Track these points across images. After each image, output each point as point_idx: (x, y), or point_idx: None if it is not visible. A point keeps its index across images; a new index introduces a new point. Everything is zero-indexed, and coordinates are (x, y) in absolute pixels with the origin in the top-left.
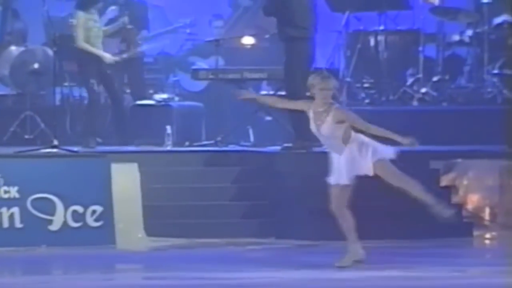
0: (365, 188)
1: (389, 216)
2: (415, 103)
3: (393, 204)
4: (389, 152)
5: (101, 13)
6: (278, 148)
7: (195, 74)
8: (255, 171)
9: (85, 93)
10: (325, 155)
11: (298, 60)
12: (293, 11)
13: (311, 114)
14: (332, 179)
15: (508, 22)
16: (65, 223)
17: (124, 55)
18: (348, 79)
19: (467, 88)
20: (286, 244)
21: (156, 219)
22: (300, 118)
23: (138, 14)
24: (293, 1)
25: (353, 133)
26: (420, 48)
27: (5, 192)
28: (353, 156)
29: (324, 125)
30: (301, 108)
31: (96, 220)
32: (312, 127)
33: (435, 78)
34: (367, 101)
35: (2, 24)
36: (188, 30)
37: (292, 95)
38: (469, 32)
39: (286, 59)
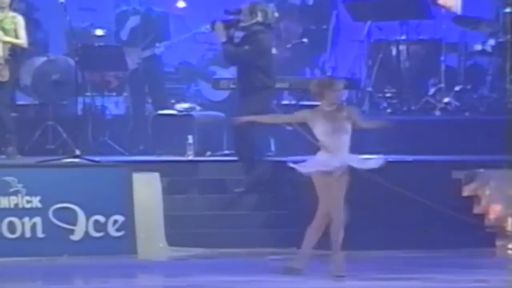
0: (386, 198)
1: (410, 226)
2: (437, 112)
3: (414, 214)
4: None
5: (122, 22)
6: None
7: (216, 83)
8: (276, 181)
9: (107, 103)
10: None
11: (264, 108)
12: (267, 60)
13: (319, 119)
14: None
15: None
16: (86, 232)
17: None
18: (369, 89)
19: (489, 98)
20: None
21: (177, 229)
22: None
23: (158, 24)
24: (266, 51)
25: None
26: (442, 58)
27: (28, 202)
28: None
29: (342, 122)
30: (302, 120)
31: (118, 230)
32: (323, 129)
33: (457, 88)
34: (389, 110)
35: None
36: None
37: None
38: (491, 42)
39: (253, 108)
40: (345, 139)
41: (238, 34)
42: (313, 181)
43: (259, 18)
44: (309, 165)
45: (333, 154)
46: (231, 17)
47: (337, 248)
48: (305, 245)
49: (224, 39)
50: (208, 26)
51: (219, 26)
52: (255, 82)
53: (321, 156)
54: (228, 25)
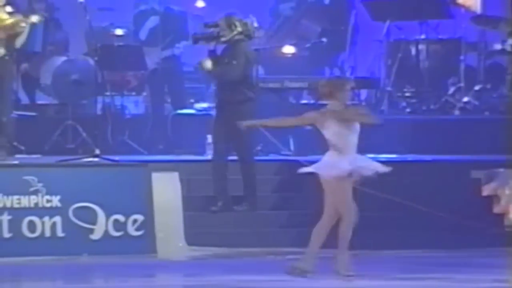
0: (403, 197)
1: (430, 226)
2: (456, 112)
3: (434, 214)
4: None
5: (141, 22)
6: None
7: None
8: (295, 181)
9: (127, 103)
10: None
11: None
12: (250, 70)
13: (328, 120)
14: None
15: None
16: (106, 232)
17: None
18: (389, 88)
19: (509, 97)
20: (326, 254)
21: (196, 228)
22: None
23: (177, 24)
24: (249, 61)
25: None
26: (462, 57)
27: (48, 201)
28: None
29: (350, 122)
30: (310, 121)
31: (137, 229)
32: (333, 129)
33: (476, 87)
34: (408, 110)
35: (45, 35)
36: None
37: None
38: (511, 41)
39: (233, 121)
40: (354, 139)
41: (219, 48)
42: (322, 183)
43: (239, 28)
44: (319, 167)
45: (342, 154)
46: (210, 30)
47: (344, 248)
48: (313, 245)
49: (210, 71)
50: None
51: (207, 63)
52: (236, 94)
53: (330, 157)
54: (214, 59)
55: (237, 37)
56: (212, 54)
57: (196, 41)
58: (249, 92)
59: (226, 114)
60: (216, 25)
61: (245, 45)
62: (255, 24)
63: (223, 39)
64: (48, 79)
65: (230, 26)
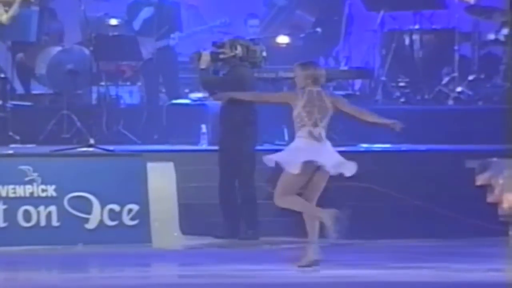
0: (399, 187)
1: (424, 215)
2: (450, 102)
3: (428, 203)
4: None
5: (135, 13)
6: None
7: None
8: None
9: (122, 93)
10: (362, 155)
11: (251, 143)
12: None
13: (300, 103)
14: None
15: None
16: (101, 221)
17: None
18: (383, 78)
19: (502, 87)
20: (321, 243)
21: (191, 218)
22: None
23: (171, 14)
24: (245, 85)
25: None
26: (456, 47)
27: (43, 190)
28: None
29: (321, 109)
30: (285, 100)
31: (132, 218)
32: (303, 113)
33: (470, 77)
34: (402, 100)
35: (39, 24)
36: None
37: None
38: (505, 31)
39: (234, 143)
40: (320, 127)
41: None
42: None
43: (238, 52)
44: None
45: (309, 141)
46: (218, 50)
47: None
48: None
49: (203, 67)
50: (223, 20)
51: (206, 55)
52: (236, 116)
53: (298, 143)
54: (214, 57)
55: (234, 61)
56: (214, 72)
57: (199, 57)
58: (249, 115)
59: (227, 136)
60: (222, 45)
61: (243, 70)
62: (264, 54)
63: (221, 56)
64: (43, 69)
65: (231, 47)
